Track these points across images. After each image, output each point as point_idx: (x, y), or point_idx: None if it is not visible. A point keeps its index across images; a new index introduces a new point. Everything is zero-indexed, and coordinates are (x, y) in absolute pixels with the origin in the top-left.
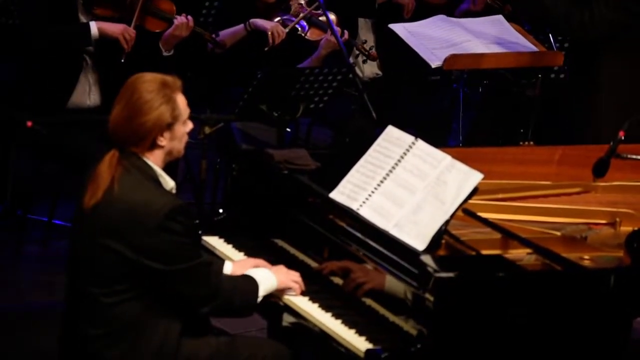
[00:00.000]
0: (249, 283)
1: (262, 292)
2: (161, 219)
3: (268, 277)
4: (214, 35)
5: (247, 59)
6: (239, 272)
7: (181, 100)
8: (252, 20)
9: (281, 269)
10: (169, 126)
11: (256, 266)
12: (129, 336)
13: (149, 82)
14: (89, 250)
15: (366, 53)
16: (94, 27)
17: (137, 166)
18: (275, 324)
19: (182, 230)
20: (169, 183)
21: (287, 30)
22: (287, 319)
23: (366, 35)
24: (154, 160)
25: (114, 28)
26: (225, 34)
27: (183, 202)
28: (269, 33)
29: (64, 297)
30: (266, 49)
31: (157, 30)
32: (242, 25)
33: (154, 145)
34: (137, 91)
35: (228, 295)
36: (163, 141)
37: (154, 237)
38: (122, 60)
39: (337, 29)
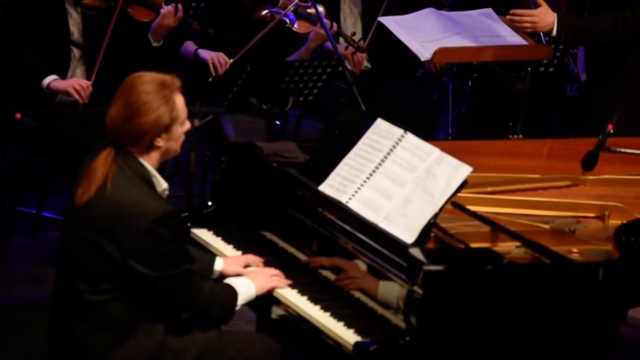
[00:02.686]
0: (228, 293)
1: (241, 301)
2: (150, 223)
3: (247, 286)
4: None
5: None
6: (230, 269)
7: (180, 100)
8: (198, 50)
9: (260, 272)
10: (167, 128)
11: (247, 262)
12: (114, 333)
13: (147, 82)
14: (78, 246)
15: (355, 45)
16: (45, 81)
17: (131, 166)
18: (265, 317)
19: (170, 237)
20: (162, 184)
21: (231, 61)
22: (276, 311)
23: (355, 27)
24: (149, 161)
25: (65, 84)
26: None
27: (174, 208)
28: (210, 64)
29: (52, 290)
30: (210, 79)
31: (144, 20)
32: (192, 52)
33: (150, 146)
34: (135, 92)
35: (207, 305)
36: (160, 142)
37: (142, 240)
38: (80, 109)
39: (326, 22)
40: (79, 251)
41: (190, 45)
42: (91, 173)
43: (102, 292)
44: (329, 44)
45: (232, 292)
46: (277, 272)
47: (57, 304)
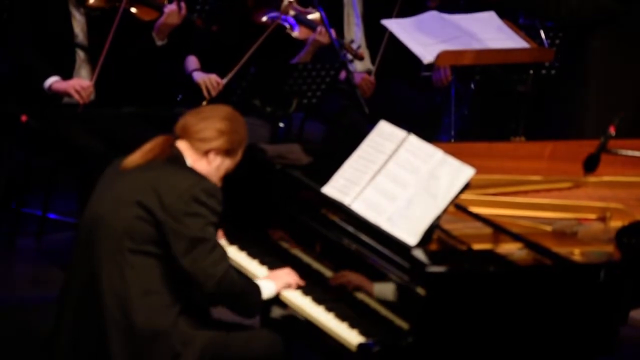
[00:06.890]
0: (254, 286)
1: (265, 296)
2: (199, 190)
3: (268, 287)
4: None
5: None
6: None
7: (240, 154)
8: (193, 72)
9: (277, 273)
10: (226, 152)
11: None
12: (135, 299)
13: (238, 114)
14: (116, 205)
15: (353, 53)
16: (47, 82)
17: (180, 163)
18: (268, 316)
19: (213, 207)
20: None
21: (223, 82)
22: (279, 311)
23: (353, 34)
24: (195, 167)
25: (65, 85)
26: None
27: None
28: (203, 87)
29: (72, 262)
30: (203, 102)
31: (148, 19)
32: (189, 71)
33: (204, 155)
34: (226, 111)
35: (231, 285)
36: (213, 160)
37: (187, 204)
38: (79, 110)
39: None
40: (117, 209)
41: (190, 63)
42: (149, 144)
43: (134, 253)
44: None
45: (257, 287)
46: (294, 277)
47: (79, 269)
